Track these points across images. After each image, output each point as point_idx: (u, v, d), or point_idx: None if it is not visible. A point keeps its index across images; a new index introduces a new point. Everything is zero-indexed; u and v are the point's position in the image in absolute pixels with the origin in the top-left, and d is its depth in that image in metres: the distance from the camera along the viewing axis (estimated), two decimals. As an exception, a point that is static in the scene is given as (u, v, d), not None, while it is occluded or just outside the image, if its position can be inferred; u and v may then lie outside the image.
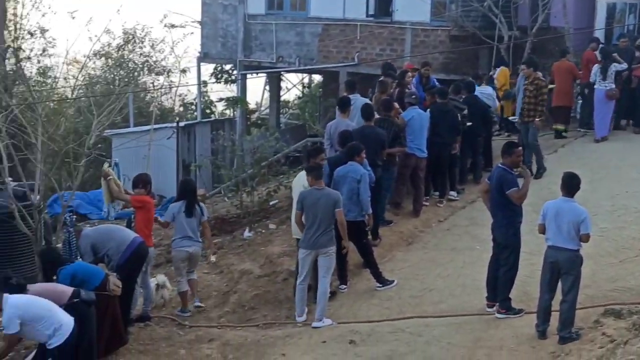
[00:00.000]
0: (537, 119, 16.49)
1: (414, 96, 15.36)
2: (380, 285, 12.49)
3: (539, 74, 17.03)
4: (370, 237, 13.22)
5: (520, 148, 11.51)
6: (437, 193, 16.04)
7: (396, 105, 15.00)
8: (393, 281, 12.57)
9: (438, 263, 13.23)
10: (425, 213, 15.25)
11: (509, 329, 10.45)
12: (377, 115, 14.36)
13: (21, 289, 9.52)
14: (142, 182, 12.25)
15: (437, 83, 17.75)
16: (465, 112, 16.07)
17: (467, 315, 11.23)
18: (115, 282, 10.59)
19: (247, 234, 15.72)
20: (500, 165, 11.00)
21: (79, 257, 11.24)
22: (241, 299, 12.96)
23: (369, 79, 20.91)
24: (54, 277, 10.34)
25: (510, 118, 19.54)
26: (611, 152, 18.26)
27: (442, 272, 12.76)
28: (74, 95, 15.61)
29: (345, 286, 12.62)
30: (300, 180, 12.26)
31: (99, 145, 14.95)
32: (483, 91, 17.56)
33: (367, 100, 15.23)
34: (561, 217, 9.82)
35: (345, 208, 11.71)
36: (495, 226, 11.02)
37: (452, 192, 16.11)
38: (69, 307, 9.57)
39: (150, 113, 28.57)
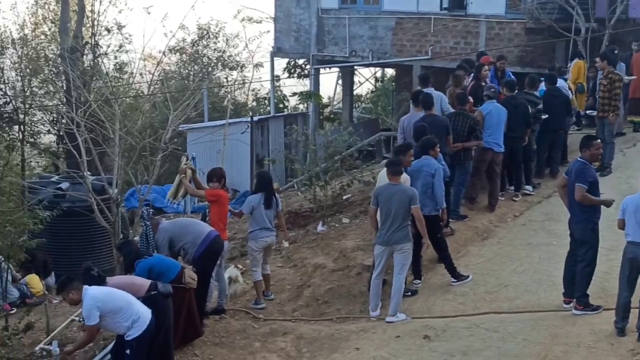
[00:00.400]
0: (611, 115, 16.15)
1: (492, 89, 15.20)
2: (455, 281, 12.42)
3: (623, 65, 16.66)
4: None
5: (599, 141, 11.30)
6: (512, 187, 15.87)
7: (470, 99, 14.92)
8: (468, 276, 12.49)
9: (513, 258, 13.10)
10: (500, 208, 15.10)
11: (587, 326, 10.30)
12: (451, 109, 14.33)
13: (101, 281, 9.73)
14: (216, 176, 12.38)
15: (512, 76, 17.53)
16: (540, 106, 15.86)
17: (544, 312, 11.10)
18: (190, 275, 10.73)
19: (320, 228, 15.77)
20: (579, 159, 10.83)
21: (155, 251, 11.39)
22: (315, 293, 13.01)
23: (443, 72, 20.79)
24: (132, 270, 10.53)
25: (588, 112, 19.19)
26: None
27: (518, 267, 12.63)
28: (150, 91, 15.79)
29: (419, 281, 12.58)
30: (384, 175, 12.20)
31: (175, 140, 15.13)
32: (561, 86, 17.21)
33: (442, 94, 15.16)
34: (642, 212, 9.62)
35: (419, 203, 11.66)
36: (573, 221, 10.86)
37: (527, 187, 15.92)
38: (146, 299, 9.73)
39: (224, 108, 28.88)
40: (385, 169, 12.11)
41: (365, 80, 37.08)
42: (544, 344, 10.07)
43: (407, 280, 12.11)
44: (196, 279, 10.82)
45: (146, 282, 9.99)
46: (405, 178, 11.84)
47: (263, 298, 12.91)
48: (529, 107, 15.50)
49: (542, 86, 16.73)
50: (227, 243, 12.56)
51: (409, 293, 12.19)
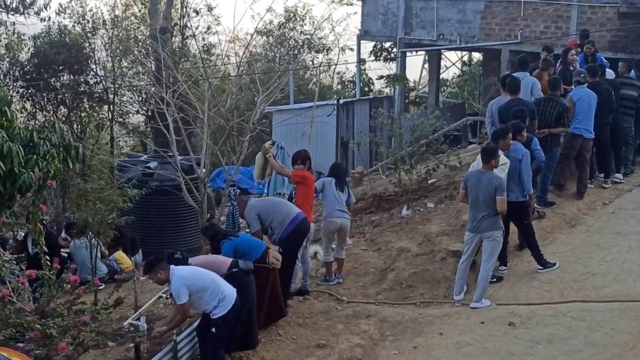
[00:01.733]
0: None
1: (582, 75, 14.93)
2: (542, 268, 12.27)
3: None
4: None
5: None
6: (602, 175, 15.59)
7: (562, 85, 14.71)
8: (555, 264, 12.33)
9: (602, 247, 12.88)
10: (589, 195, 14.86)
11: (678, 317, 10.10)
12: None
13: (184, 262, 9.94)
14: (300, 158, 12.48)
15: (605, 61, 17.17)
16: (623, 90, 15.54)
17: (633, 302, 10.89)
18: (275, 256, 10.85)
19: (405, 212, 15.76)
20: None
21: (243, 230, 11.55)
22: (399, 277, 13.02)
23: (532, 57, 20.48)
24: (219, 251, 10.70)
25: None
26: None
27: (606, 256, 12.42)
28: (237, 73, 15.99)
29: (504, 267, 12.47)
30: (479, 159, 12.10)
31: (264, 121, 15.28)
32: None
33: (535, 80, 14.95)
34: None
35: (507, 188, 11.56)
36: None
37: (617, 175, 15.63)
38: (228, 277, 9.90)
39: (309, 90, 29.02)
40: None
41: (452, 64, 36.76)
42: (632, 334, 9.88)
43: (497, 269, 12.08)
44: (280, 260, 10.94)
45: (227, 260, 10.16)
46: (504, 161, 11.75)
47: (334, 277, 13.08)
48: (633, 90, 15.24)
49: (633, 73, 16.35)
50: (313, 225, 12.65)
51: (494, 279, 12.10)
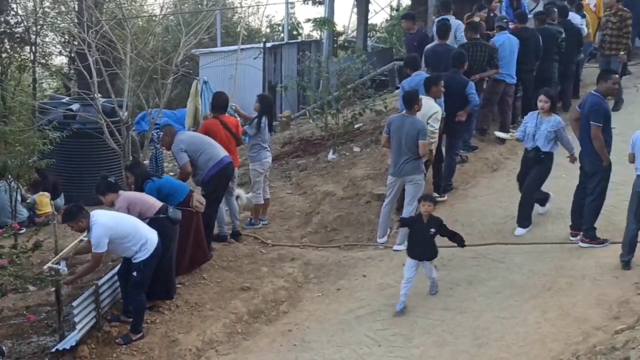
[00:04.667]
0: (621, 53, 15.91)
1: (505, 20, 15.04)
2: (437, 196, 12.59)
3: None
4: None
5: (617, 76, 11.24)
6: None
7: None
8: (444, 197, 12.93)
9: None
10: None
11: (592, 259, 10.36)
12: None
13: (116, 187, 10.01)
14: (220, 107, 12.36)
15: (526, 6, 17.31)
16: (563, 35, 15.69)
17: (550, 244, 11.16)
18: (199, 199, 10.79)
19: (331, 156, 15.79)
20: (594, 93, 10.76)
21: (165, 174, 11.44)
22: (324, 220, 13.10)
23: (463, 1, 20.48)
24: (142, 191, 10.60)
25: None
26: None
27: (526, 199, 12.64)
28: (161, 13, 15.70)
29: (438, 195, 12.68)
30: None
31: (186, 63, 15.05)
32: (571, 19, 16.93)
33: (460, 23, 15.04)
34: (651, 146, 9.60)
35: None
36: (584, 154, 10.84)
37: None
38: (153, 221, 9.83)
39: (237, 33, 28.65)
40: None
41: (381, 9, 36.67)
42: (549, 276, 10.15)
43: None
44: (204, 204, 10.88)
45: (158, 204, 10.07)
46: (437, 109, 11.87)
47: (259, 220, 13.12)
48: (554, 38, 15.42)
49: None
50: (237, 169, 12.56)
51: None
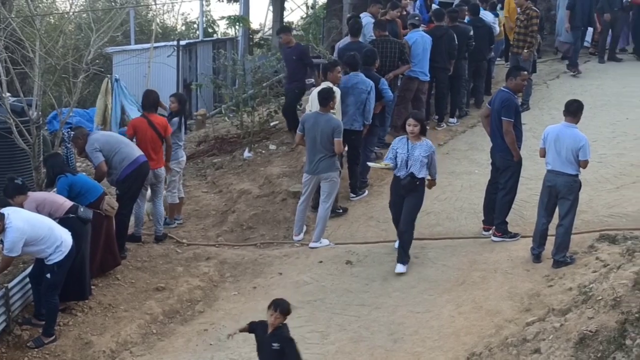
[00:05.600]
0: (525, 51, 16.21)
1: (417, 18, 15.20)
2: (354, 196, 12.80)
3: None
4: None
5: (526, 72, 11.43)
6: (436, 117, 15.98)
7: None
8: (364, 191, 13.05)
9: (436, 186, 13.20)
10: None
11: (504, 252, 10.52)
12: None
13: (24, 189, 9.73)
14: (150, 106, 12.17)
15: (437, 5, 17.51)
16: (472, 33, 15.89)
17: (463, 238, 11.32)
18: (110, 203, 10.59)
19: (246, 154, 15.71)
20: (504, 89, 10.93)
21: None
22: (239, 219, 13.03)
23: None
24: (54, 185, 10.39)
25: None
26: (613, 79, 18.19)
27: (440, 195, 12.77)
28: (72, 10, 15.38)
29: (354, 195, 12.84)
30: (314, 97, 12.12)
31: (97, 61, 14.76)
32: (484, 17, 17.20)
33: (369, 21, 15.10)
34: (561, 142, 9.78)
35: (351, 118, 11.95)
36: (495, 150, 11.00)
37: (451, 120, 16.07)
38: (63, 221, 9.63)
39: (152, 31, 28.31)
40: (315, 90, 12.15)
41: (297, 7, 36.66)
42: (462, 270, 10.29)
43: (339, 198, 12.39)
44: (115, 209, 10.68)
45: (67, 203, 9.87)
46: (336, 91, 11.87)
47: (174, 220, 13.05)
48: (465, 36, 15.59)
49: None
50: (164, 169, 12.33)
51: (340, 211, 12.36)
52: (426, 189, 10.64)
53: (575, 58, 18.75)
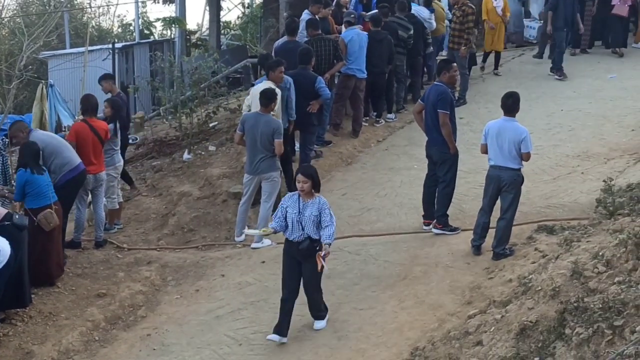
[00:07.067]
0: (462, 47, 16.35)
1: (352, 15, 15.22)
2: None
3: None
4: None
5: (456, 64, 11.49)
6: (375, 114, 16.03)
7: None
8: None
9: (376, 183, 13.31)
10: (364, 133, 15.30)
11: (445, 246, 10.58)
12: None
13: None
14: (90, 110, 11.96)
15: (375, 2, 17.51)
16: (412, 32, 15.95)
17: (404, 234, 11.35)
18: (46, 217, 10.28)
19: (186, 156, 15.57)
20: (437, 83, 10.99)
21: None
22: (180, 221, 12.90)
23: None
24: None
25: None
26: (546, 71, 18.44)
27: (380, 191, 12.83)
28: (6, 15, 15.12)
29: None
30: (255, 94, 12.05)
31: (30, 67, 14.52)
32: (419, 12, 17.26)
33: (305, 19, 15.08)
34: (502, 136, 9.83)
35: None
36: (431, 144, 11.04)
37: (389, 116, 16.13)
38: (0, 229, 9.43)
39: (87, 34, 27.98)
40: (256, 86, 12.08)
41: (234, 6, 36.52)
42: (404, 265, 10.31)
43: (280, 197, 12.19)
44: (51, 224, 10.40)
45: (2, 211, 9.66)
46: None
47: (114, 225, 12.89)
48: (404, 31, 15.63)
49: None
50: (104, 173, 12.12)
51: None
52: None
53: (560, 61, 18.24)
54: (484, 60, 19.32)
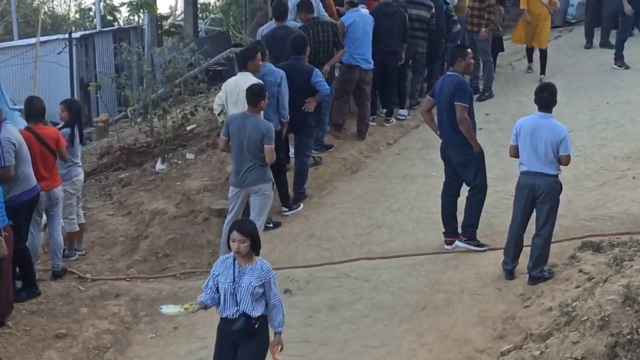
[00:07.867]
0: (483, 29, 16.38)
1: (355, -5, 15.23)
2: (287, 210, 12.83)
3: None
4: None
5: (470, 50, 11.44)
6: (384, 111, 16.03)
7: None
8: (299, 205, 13.05)
9: (387, 194, 13.32)
10: (371, 135, 15.31)
11: (471, 269, 10.59)
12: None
13: None
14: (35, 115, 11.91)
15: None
16: (434, 10, 15.97)
17: (422, 255, 11.35)
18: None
19: (159, 166, 15.59)
20: (451, 73, 10.99)
21: None
22: (154, 245, 12.90)
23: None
24: None
25: None
26: (589, 58, 18.45)
27: (392, 204, 12.85)
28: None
29: (287, 210, 12.91)
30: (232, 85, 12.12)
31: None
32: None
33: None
34: (537, 136, 9.82)
35: (265, 117, 11.78)
36: (448, 146, 11.05)
37: (401, 111, 16.14)
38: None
39: (38, 22, 28.07)
40: (230, 80, 12.10)
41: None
42: (422, 293, 10.31)
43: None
44: (4, 252, 10.37)
45: None
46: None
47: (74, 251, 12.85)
48: (426, 10, 15.69)
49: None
50: (60, 189, 12.10)
51: (271, 225, 12.46)
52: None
53: (621, 49, 18.09)
54: (530, 59, 18.78)
